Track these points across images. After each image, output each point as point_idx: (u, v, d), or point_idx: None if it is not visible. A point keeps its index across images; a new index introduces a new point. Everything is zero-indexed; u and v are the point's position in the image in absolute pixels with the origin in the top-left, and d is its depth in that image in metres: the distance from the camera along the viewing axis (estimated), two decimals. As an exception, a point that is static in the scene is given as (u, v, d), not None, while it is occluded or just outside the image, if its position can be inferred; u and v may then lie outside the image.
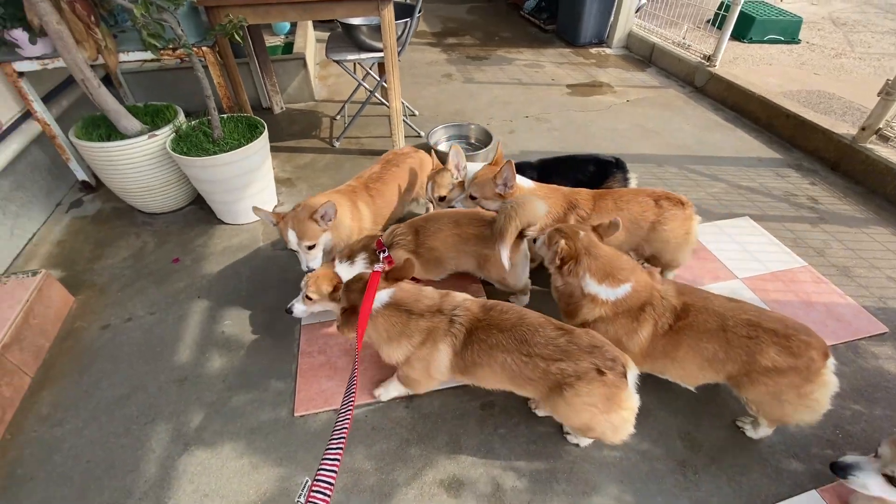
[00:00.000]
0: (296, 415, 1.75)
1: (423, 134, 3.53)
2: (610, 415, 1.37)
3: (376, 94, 3.31)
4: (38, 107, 2.57)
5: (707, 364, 1.49)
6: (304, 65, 3.85)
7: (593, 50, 5.16)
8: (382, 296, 1.50)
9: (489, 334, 1.44)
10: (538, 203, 1.78)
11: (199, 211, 2.79)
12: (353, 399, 1.10)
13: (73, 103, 3.00)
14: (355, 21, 3.03)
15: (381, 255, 1.84)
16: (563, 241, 1.56)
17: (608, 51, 5.15)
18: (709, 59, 4.14)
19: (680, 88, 4.28)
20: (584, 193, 2.05)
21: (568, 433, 1.67)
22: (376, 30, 3.00)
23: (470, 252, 1.94)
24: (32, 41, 2.31)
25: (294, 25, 4.65)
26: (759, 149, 3.36)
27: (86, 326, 2.10)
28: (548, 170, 2.39)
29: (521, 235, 1.83)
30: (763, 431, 1.63)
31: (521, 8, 6.31)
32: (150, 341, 2.04)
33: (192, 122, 2.56)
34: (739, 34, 4.91)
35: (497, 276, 1.97)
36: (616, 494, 1.53)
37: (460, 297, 1.57)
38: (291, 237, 1.89)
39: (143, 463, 1.62)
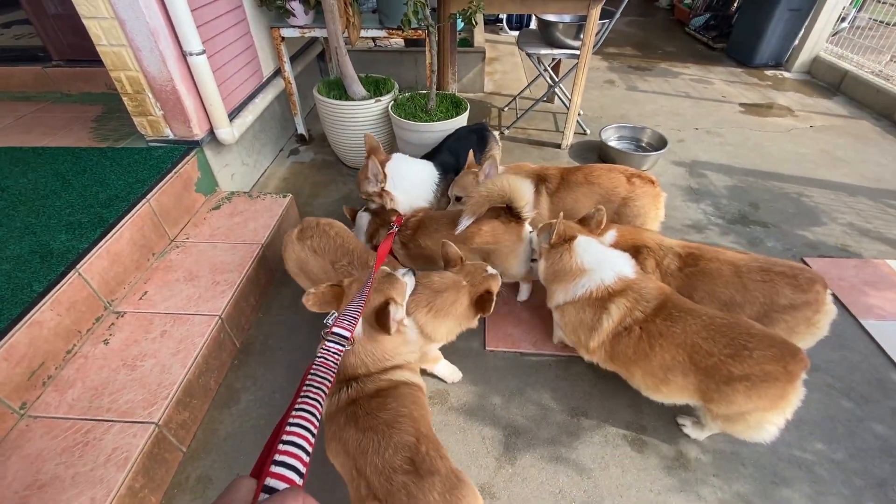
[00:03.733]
0: (487, 348, 1.98)
1: (589, 132, 3.65)
2: (771, 412, 1.36)
3: (557, 89, 3.50)
4: (288, 67, 3.14)
5: (724, 310, 1.59)
6: (483, 58, 4.18)
7: (769, 72, 4.87)
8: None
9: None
10: (517, 179, 1.79)
11: (389, 171, 3.20)
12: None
13: (303, 69, 3.60)
14: (553, 18, 3.25)
15: (392, 228, 2.00)
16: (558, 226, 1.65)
17: (786, 74, 4.83)
18: (921, 91, 3.72)
19: (874, 121, 3.90)
20: (552, 169, 2.26)
21: (684, 424, 1.67)
22: (571, 28, 3.21)
23: (468, 251, 1.90)
24: (306, 12, 2.85)
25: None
26: (981, 194, 2.97)
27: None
28: (456, 150, 2.48)
29: (520, 219, 1.88)
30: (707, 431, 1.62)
31: (686, 24, 6.15)
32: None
33: (407, 94, 2.96)
34: (959, 70, 4.31)
35: (502, 268, 1.91)
36: (810, 494, 1.52)
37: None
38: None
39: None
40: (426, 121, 2.73)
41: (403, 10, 2.83)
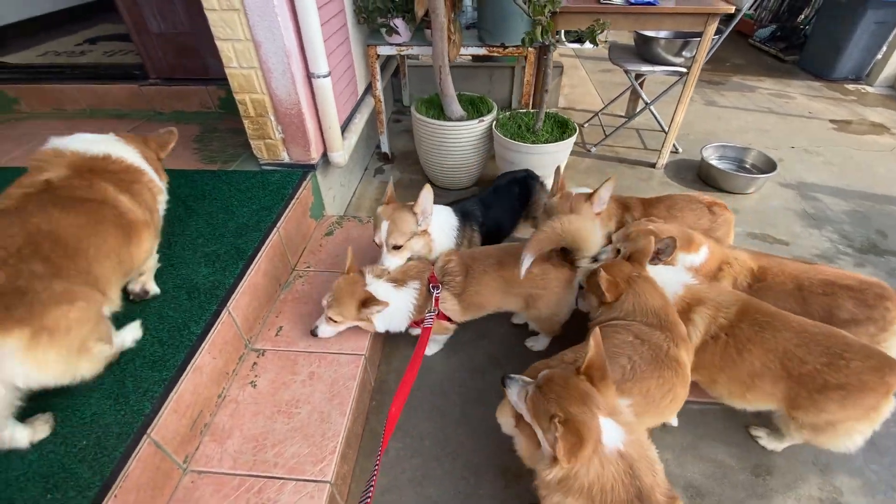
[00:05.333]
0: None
1: (681, 150, 3.50)
2: (862, 422, 1.35)
3: (652, 108, 3.36)
4: (380, 85, 3.06)
5: None
6: (561, 73, 4.07)
7: (850, 86, 4.68)
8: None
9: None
10: (589, 221, 1.65)
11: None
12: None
13: (385, 86, 3.52)
14: (652, 33, 3.12)
15: (433, 292, 1.67)
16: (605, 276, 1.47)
17: (868, 88, 4.63)
18: None
19: (980, 139, 3.68)
20: (634, 200, 2.18)
21: (759, 436, 1.65)
22: (673, 44, 3.08)
23: (516, 293, 1.75)
24: (410, 29, 2.76)
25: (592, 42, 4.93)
26: None
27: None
28: (489, 203, 2.19)
29: (572, 263, 1.72)
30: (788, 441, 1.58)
31: (749, 35, 5.97)
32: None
33: (507, 113, 2.85)
34: None
35: (546, 313, 1.78)
36: None
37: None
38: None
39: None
40: (533, 142, 2.61)
41: (507, 27, 2.76)
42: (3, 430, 1.11)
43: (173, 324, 1.49)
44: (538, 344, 2.00)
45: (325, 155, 2.37)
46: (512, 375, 1.23)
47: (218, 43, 1.91)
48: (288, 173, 2.24)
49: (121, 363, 1.36)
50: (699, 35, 2.77)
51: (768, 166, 3.07)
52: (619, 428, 1.04)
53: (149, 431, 1.23)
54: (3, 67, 3.01)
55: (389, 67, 3.79)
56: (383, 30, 2.75)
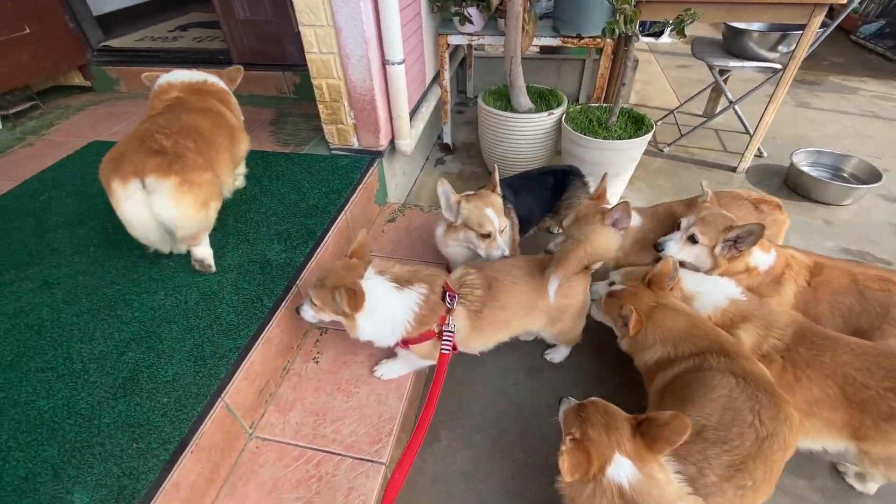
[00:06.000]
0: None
1: (766, 154, 3.23)
2: None
3: (736, 107, 3.12)
4: (447, 75, 3.05)
5: (842, 321, 1.55)
6: (635, 67, 3.87)
7: (975, 90, 4.10)
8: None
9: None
10: (612, 235, 1.57)
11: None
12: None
13: (450, 76, 3.51)
14: (744, 25, 2.89)
15: (449, 304, 1.41)
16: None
17: None
18: None
19: None
20: (677, 204, 1.95)
21: (845, 472, 1.52)
22: (768, 37, 2.82)
23: (543, 307, 1.56)
24: (484, 18, 2.73)
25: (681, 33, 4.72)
26: None
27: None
28: (518, 188, 2.09)
29: (587, 268, 1.57)
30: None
31: (851, 31, 5.39)
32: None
33: (577, 106, 2.75)
34: None
35: (570, 324, 1.67)
36: None
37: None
38: None
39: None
40: (605, 137, 2.49)
41: (584, 17, 2.65)
42: (169, 247, 1.63)
43: (248, 296, 1.56)
44: (558, 355, 1.90)
45: (392, 142, 2.40)
46: (569, 397, 1.28)
47: (301, 28, 1.97)
48: (356, 158, 2.28)
49: (201, 328, 1.45)
50: (799, 28, 2.52)
51: (871, 176, 2.76)
52: (636, 472, 1.04)
53: (223, 395, 1.30)
54: (107, 50, 3.28)
55: (456, 57, 3.76)
56: (456, 18, 2.72)
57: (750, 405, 1.18)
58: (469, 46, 3.86)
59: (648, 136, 2.51)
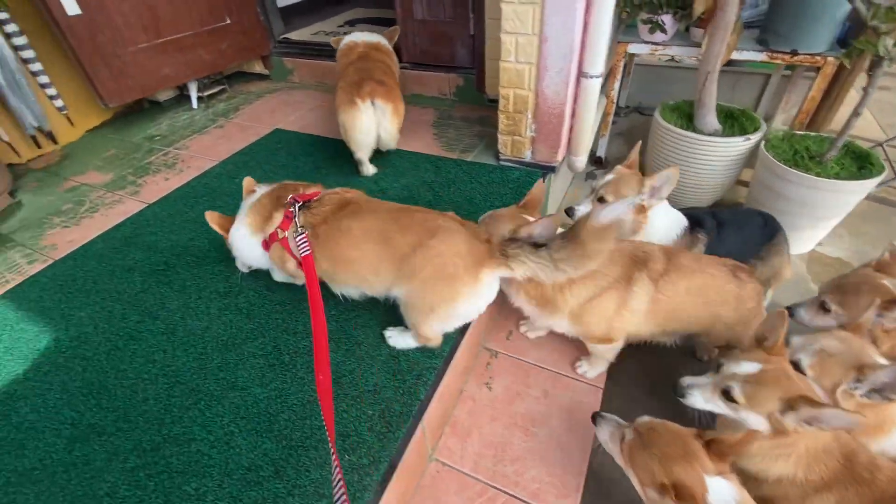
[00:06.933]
0: None
1: None
2: None
3: None
4: (617, 85, 2.82)
5: None
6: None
7: None
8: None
9: None
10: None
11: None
12: None
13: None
14: None
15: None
16: None
17: None
18: None
19: None
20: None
21: None
22: None
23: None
24: (680, 27, 2.46)
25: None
26: None
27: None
28: (723, 220, 1.84)
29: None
30: None
31: None
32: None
33: (779, 133, 2.38)
34: None
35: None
36: None
37: None
38: None
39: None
40: (819, 174, 2.11)
41: (807, 30, 2.27)
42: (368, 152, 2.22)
43: (436, 311, 1.53)
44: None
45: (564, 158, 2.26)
46: (604, 414, 1.16)
47: (502, 36, 1.89)
48: (528, 172, 2.18)
49: (395, 340, 1.44)
50: None
51: None
52: (733, 488, 0.92)
53: (423, 418, 1.27)
54: (286, 42, 3.54)
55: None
56: (648, 26, 2.48)
57: None
58: (631, 55, 3.57)
59: (878, 179, 2.09)
